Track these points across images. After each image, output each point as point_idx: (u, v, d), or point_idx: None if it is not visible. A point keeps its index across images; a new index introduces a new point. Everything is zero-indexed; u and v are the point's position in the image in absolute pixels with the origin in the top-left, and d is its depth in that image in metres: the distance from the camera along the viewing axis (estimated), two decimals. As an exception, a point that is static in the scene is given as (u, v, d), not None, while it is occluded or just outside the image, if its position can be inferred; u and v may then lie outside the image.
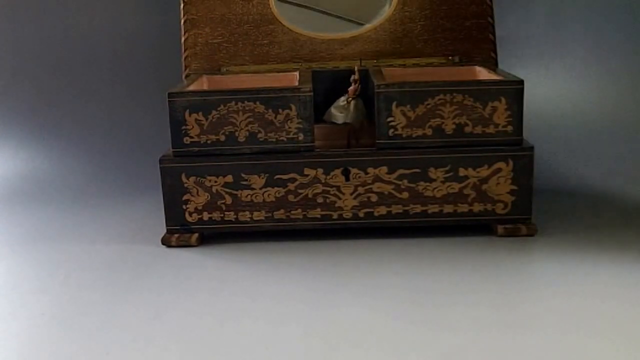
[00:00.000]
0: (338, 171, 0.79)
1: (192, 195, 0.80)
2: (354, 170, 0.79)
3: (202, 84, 0.91)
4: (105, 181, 1.07)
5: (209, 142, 0.79)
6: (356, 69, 0.86)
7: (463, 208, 0.80)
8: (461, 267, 0.73)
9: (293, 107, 0.78)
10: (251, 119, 0.78)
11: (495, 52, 0.95)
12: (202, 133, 0.79)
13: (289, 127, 0.79)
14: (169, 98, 0.78)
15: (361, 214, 0.80)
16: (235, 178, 0.80)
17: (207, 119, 0.79)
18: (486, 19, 0.94)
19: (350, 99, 0.85)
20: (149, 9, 1.18)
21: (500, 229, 0.80)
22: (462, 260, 0.75)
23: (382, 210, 0.80)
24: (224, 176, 0.80)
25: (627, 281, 0.69)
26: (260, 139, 0.79)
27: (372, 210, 0.80)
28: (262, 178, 0.79)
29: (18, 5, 1.18)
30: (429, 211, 0.80)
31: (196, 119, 0.79)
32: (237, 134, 0.79)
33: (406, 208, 0.80)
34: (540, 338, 0.58)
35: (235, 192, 0.80)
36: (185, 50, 0.94)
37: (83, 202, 1.02)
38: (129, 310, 0.67)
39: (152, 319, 0.64)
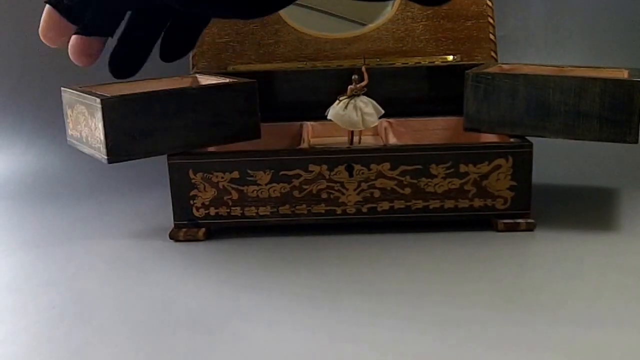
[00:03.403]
0: (342, 167, 0.80)
1: (199, 191, 0.81)
2: (357, 167, 0.80)
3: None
4: (114, 177, 1.08)
5: (215, 139, 0.80)
6: (363, 69, 0.86)
7: (464, 203, 0.81)
8: (462, 261, 0.74)
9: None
10: (257, 117, 0.80)
11: (495, 51, 0.96)
12: (209, 130, 0.80)
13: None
14: (176, 96, 0.80)
15: (364, 209, 0.81)
16: (242, 174, 0.81)
17: (213, 117, 0.80)
18: (486, 19, 0.96)
19: (344, 97, 0.85)
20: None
21: (500, 224, 0.82)
22: (463, 255, 0.76)
23: (385, 205, 0.81)
24: (231, 172, 0.81)
25: (626, 277, 0.70)
26: (266, 136, 0.80)
27: (375, 205, 0.81)
28: (268, 174, 0.81)
29: (27, 5, 1.19)
30: (431, 206, 0.81)
31: (203, 117, 0.80)
32: (243, 131, 0.80)
33: (408, 203, 0.81)
34: (539, 332, 0.59)
35: (241, 187, 0.81)
36: (192, 50, 0.96)
37: (92, 197, 1.03)
38: (137, 302, 0.68)
39: (161, 311, 0.66)
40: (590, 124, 0.76)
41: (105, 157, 0.73)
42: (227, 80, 0.84)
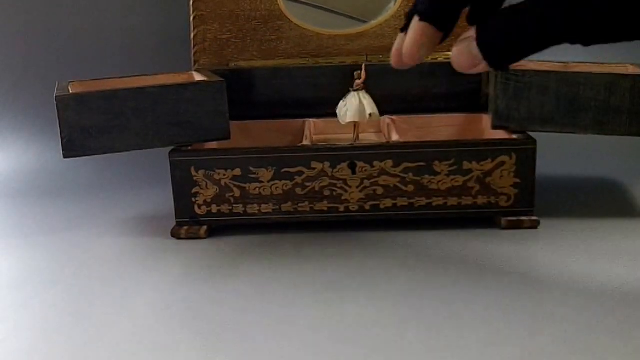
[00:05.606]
0: (344, 165, 0.80)
1: (201, 189, 0.81)
2: (360, 164, 0.80)
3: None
4: (115, 174, 1.08)
5: (217, 136, 0.80)
6: (363, 66, 0.88)
7: (467, 201, 0.81)
8: (465, 259, 0.74)
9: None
10: (259, 114, 0.80)
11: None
12: (211, 127, 0.80)
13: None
14: (178, 93, 0.80)
15: (367, 207, 0.81)
16: (244, 171, 0.81)
17: (215, 114, 0.80)
18: (489, 15, 0.96)
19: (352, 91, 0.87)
20: (159, 5, 1.19)
21: (503, 221, 0.81)
22: (466, 252, 0.76)
23: (388, 203, 0.81)
24: (233, 169, 0.81)
25: (631, 275, 0.69)
26: (268, 133, 0.80)
27: (377, 203, 0.81)
28: (270, 171, 0.80)
29: (28, 2, 1.19)
30: (434, 204, 0.81)
31: (205, 114, 0.80)
32: (245, 128, 0.80)
33: (411, 201, 0.81)
34: (543, 329, 0.59)
35: (243, 185, 0.81)
36: (194, 46, 0.95)
37: (93, 195, 1.03)
38: (139, 300, 0.68)
39: (162, 310, 0.66)
40: (620, 120, 0.77)
41: (62, 152, 0.77)
42: (195, 79, 0.85)
